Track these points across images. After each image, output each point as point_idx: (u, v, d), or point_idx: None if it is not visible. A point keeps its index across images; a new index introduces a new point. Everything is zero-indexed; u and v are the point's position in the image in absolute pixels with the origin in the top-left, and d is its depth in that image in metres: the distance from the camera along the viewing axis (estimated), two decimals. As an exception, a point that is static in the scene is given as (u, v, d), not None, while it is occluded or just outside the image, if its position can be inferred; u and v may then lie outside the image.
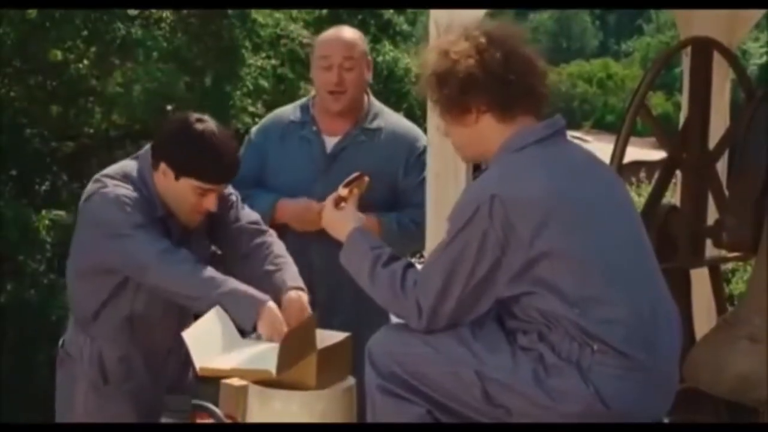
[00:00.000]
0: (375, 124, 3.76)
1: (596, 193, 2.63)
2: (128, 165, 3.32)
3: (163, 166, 3.21)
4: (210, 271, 3.11)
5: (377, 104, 3.85)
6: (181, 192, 3.21)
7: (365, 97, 3.81)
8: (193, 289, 3.10)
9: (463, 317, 2.62)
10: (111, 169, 3.32)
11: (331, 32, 3.83)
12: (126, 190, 3.21)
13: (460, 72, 2.61)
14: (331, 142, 3.75)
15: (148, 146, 3.32)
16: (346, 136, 3.74)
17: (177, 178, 3.20)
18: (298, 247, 3.53)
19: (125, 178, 3.26)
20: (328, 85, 3.70)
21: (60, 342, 3.48)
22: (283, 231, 3.57)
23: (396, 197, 3.75)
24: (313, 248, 3.61)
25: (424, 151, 3.58)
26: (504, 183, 2.55)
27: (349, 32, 3.80)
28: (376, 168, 3.46)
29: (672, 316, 2.65)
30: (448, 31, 2.74)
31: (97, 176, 3.29)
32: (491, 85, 2.61)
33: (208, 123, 3.21)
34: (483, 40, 2.61)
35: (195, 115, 3.24)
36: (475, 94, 2.62)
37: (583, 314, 2.49)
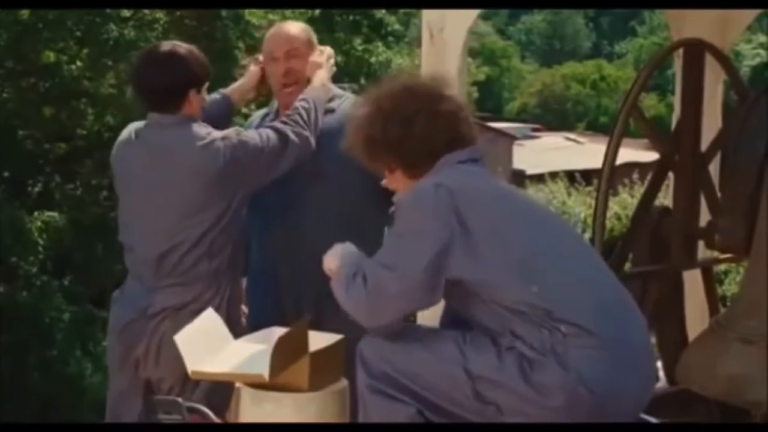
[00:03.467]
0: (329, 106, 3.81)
1: (531, 201, 2.82)
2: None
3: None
4: None
5: (337, 91, 3.87)
6: None
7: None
8: None
9: (419, 302, 2.69)
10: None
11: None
12: None
13: (364, 139, 2.80)
14: None
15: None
16: None
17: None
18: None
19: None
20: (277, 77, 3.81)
21: None
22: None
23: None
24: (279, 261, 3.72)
25: None
26: (445, 177, 2.69)
27: (292, 27, 3.88)
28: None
29: (634, 307, 2.71)
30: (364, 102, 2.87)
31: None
32: (392, 150, 2.77)
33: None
34: (387, 105, 2.77)
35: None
36: (379, 157, 2.81)
37: (542, 296, 2.56)
